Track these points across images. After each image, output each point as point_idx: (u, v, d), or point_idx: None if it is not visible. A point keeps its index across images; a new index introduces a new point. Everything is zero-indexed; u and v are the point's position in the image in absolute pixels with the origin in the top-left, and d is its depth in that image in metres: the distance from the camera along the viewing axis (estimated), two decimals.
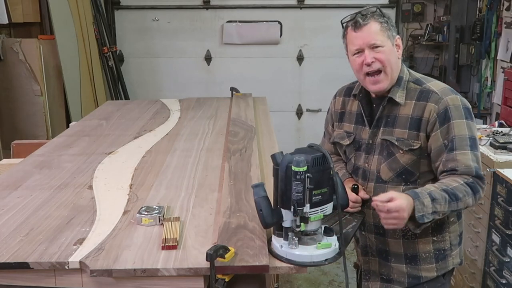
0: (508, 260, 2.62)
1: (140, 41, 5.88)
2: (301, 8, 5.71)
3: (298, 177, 1.44)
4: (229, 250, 1.43)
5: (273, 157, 1.54)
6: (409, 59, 5.80)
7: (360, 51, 1.74)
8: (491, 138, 3.03)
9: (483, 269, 2.89)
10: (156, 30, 5.85)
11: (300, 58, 5.70)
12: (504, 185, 2.67)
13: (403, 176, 1.78)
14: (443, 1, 5.65)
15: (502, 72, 4.07)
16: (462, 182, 1.65)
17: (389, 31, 1.75)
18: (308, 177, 1.44)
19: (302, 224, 1.49)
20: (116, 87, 5.63)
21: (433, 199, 1.60)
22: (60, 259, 1.46)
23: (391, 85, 1.78)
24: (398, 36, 1.78)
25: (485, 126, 3.54)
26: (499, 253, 2.70)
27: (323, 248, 1.49)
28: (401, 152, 1.76)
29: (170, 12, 5.81)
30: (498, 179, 2.73)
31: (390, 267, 1.88)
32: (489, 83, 4.46)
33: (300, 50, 5.71)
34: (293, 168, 1.44)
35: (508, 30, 4.07)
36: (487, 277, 2.85)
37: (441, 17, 5.57)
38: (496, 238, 2.74)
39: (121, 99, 5.61)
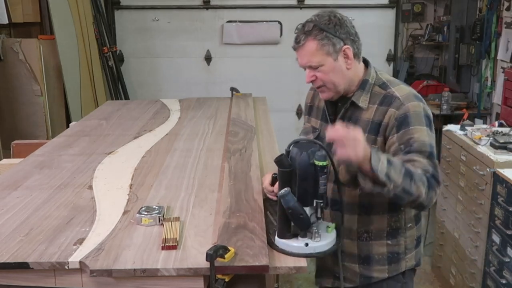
0: (508, 260, 2.62)
1: (140, 41, 5.88)
2: (301, 8, 5.71)
3: (325, 170, 1.51)
4: (229, 250, 1.43)
5: (280, 160, 1.54)
6: (409, 59, 5.80)
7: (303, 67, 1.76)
8: (491, 138, 3.02)
9: (483, 269, 2.89)
10: (156, 30, 5.85)
11: None
12: (504, 185, 2.66)
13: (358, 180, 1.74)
14: (443, 1, 5.65)
15: (502, 72, 4.07)
16: (421, 171, 1.59)
17: (330, 46, 1.67)
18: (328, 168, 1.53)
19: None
20: (116, 87, 5.63)
21: (390, 163, 1.52)
22: (60, 259, 1.46)
23: (343, 91, 1.76)
24: (346, 46, 1.69)
25: (485, 126, 3.53)
26: (499, 253, 2.70)
27: (333, 229, 1.59)
28: None
29: (170, 12, 5.81)
30: (498, 179, 2.73)
31: (344, 266, 1.86)
32: (489, 83, 4.46)
33: None
34: (318, 163, 1.50)
35: (508, 30, 4.07)
36: (487, 277, 2.85)
37: (441, 17, 5.58)
38: (496, 238, 2.74)
39: (121, 99, 5.60)
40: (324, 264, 1.95)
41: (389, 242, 1.82)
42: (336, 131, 1.49)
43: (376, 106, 1.73)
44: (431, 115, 1.73)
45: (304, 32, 1.69)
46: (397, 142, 1.66)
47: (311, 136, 1.92)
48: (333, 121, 1.82)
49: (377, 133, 1.71)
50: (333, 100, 1.81)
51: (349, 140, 1.47)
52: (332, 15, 1.70)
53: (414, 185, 1.54)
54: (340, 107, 1.81)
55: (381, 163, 1.49)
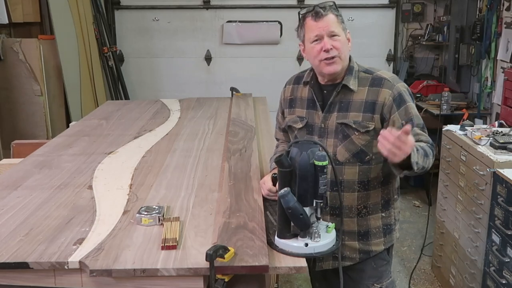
0: (508, 260, 2.62)
1: (140, 41, 5.88)
2: (301, 8, 5.69)
3: (325, 170, 1.53)
4: (228, 250, 1.43)
5: (280, 160, 1.55)
6: (409, 59, 5.80)
7: (319, 39, 1.87)
8: (491, 138, 3.02)
9: (483, 269, 2.89)
10: (156, 30, 5.85)
11: (300, 58, 5.66)
12: (504, 185, 2.66)
13: (358, 157, 1.91)
14: (443, 1, 5.65)
15: (502, 72, 4.07)
16: (428, 145, 1.83)
17: (343, 24, 1.91)
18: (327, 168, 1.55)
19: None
20: (116, 87, 5.63)
21: (417, 150, 1.71)
22: (59, 259, 1.47)
23: (342, 71, 1.92)
24: (348, 31, 1.94)
25: (485, 126, 3.53)
26: (499, 253, 2.70)
27: (333, 229, 1.62)
28: (357, 133, 1.89)
29: (170, 12, 5.81)
30: (498, 179, 2.73)
31: (343, 245, 1.95)
32: (489, 83, 4.45)
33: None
34: (318, 163, 1.52)
35: (508, 30, 4.07)
36: (487, 277, 2.85)
37: (441, 17, 5.57)
38: (496, 238, 2.74)
39: (121, 99, 5.60)
40: None
41: (383, 214, 1.99)
42: (387, 137, 1.59)
43: (367, 88, 1.92)
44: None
45: (325, 7, 1.88)
46: (400, 119, 1.86)
47: (299, 125, 2.01)
48: (322, 106, 1.96)
49: (373, 111, 1.89)
50: (320, 88, 1.98)
51: (401, 143, 1.58)
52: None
53: (428, 160, 1.77)
54: (327, 93, 1.96)
55: (416, 155, 1.66)
